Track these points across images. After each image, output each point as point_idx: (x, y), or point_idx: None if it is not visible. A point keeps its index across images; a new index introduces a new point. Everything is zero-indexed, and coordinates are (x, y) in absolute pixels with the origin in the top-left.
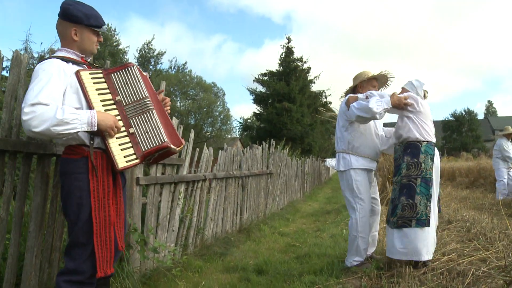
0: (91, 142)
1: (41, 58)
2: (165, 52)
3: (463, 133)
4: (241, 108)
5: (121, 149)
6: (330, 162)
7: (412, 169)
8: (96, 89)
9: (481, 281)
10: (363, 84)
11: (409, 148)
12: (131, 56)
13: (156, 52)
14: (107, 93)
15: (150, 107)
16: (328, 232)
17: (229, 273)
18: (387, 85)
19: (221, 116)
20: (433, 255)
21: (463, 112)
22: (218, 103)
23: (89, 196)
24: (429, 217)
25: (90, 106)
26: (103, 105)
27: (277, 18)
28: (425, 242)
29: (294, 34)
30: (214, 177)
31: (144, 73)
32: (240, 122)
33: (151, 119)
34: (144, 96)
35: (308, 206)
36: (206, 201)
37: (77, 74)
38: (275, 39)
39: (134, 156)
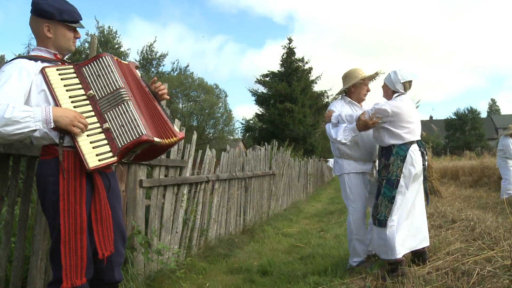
0: (61, 140)
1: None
2: (167, 54)
3: (466, 131)
4: (243, 109)
5: (93, 147)
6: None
7: (383, 171)
8: (65, 85)
9: (487, 280)
10: (357, 84)
11: (384, 150)
12: (133, 59)
13: (158, 54)
14: (78, 89)
15: (125, 98)
16: (332, 232)
17: (233, 275)
18: (375, 79)
19: (223, 118)
20: (437, 255)
21: (466, 110)
22: (220, 104)
23: (59, 199)
24: (387, 218)
25: (57, 104)
26: (72, 102)
27: (279, 18)
28: (384, 242)
29: (296, 34)
30: (217, 179)
31: (126, 61)
32: (242, 123)
33: (127, 111)
34: (118, 87)
35: (311, 206)
36: (209, 202)
37: (42, 71)
38: (277, 39)
39: (109, 154)
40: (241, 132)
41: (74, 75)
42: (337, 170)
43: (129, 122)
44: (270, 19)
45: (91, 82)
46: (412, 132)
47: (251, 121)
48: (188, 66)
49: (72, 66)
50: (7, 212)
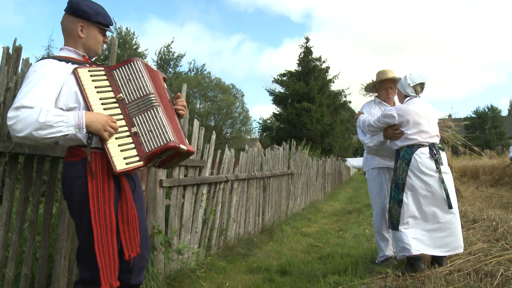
0: (89, 141)
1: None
2: (184, 54)
3: (486, 130)
4: (261, 108)
5: (121, 150)
6: (351, 161)
7: (393, 174)
8: (96, 87)
9: (511, 282)
10: (377, 85)
11: (395, 153)
12: (150, 60)
13: (175, 55)
14: (108, 91)
15: (154, 104)
16: (351, 232)
17: (252, 274)
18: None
19: (241, 117)
20: (459, 255)
21: (486, 108)
22: (237, 104)
23: (88, 200)
24: (398, 221)
25: (87, 105)
26: (102, 104)
27: (296, 17)
28: (398, 241)
29: (313, 32)
30: (236, 178)
31: (155, 69)
32: (259, 123)
33: (156, 116)
34: (148, 92)
35: (330, 206)
36: (229, 202)
37: (75, 72)
38: (294, 38)
39: (136, 158)
40: (258, 132)
41: (105, 77)
42: (365, 165)
43: (157, 128)
44: (288, 18)
45: (121, 85)
46: (421, 133)
47: (268, 121)
48: (204, 65)
49: (103, 68)
50: (31, 212)
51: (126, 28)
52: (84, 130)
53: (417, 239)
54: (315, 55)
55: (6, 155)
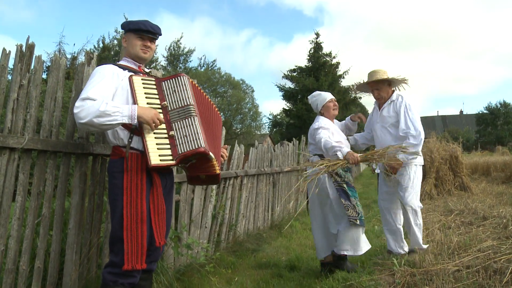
0: (130, 140)
1: (74, 59)
2: (194, 50)
3: (499, 126)
4: (271, 104)
5: (158, 148)
6: None
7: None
8: (145, 93)
9: None
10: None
11: None
12: (160, 55)
13: (185, 50)
14: (155, 98)
15: (192, 113)
16: None
17: (261, 269)
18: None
19: (251, 113)
20: (468, 252)
21: (498, 104)
22: (247, 99)
23: (123, 193)
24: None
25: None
26: (148, 107)
27: (309, 11)
28: (357, 240)
29: (325, 26)
30: (246, 174)
31: (197, 85)
32: (269, 119)
33: (192, 124)
34: (188, 103)
35: None
36: (238, 198)
37: (130, 78)
38: (306, 32)
39: (170, 157)
40: (268, 127)
41: (154, 86)
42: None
43: (191, 134)
44: (300, 12)
45: (167, 95)
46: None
47: (278, 116)
48: (215, 61)
49: (154, 79)
50: (44, 207)
51: None
52: (135, 120)
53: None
54: (325, 50)
55: (19, 150)
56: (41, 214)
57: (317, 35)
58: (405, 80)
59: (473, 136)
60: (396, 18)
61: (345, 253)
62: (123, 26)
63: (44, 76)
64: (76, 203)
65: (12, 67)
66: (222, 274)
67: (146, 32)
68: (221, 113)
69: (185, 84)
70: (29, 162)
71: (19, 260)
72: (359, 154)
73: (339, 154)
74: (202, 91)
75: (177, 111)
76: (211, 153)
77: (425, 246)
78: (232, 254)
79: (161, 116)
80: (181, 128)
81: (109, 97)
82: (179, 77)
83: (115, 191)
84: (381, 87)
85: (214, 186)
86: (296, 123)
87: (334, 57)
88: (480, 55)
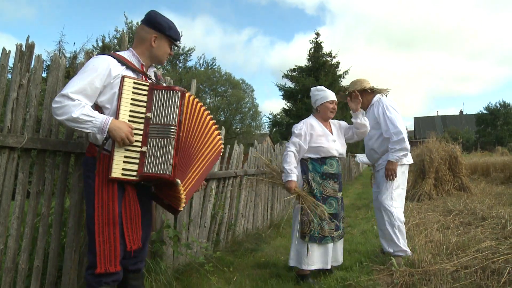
0: (104, 141)
1: (74, 58)
2: (194, 49)
3: (498, 126)
4: (271, 103)
5: (124, 161)
6: (361, 157)
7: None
8: (132, 99)
9: None
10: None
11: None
12: None
13: (185, 49)
14: (141, 106)
15: (171, 136)
16: (359, 228)
17: (260, 269)
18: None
19: (250, 112)
20: (466, 252)
21: (498, 105)
22: (247, 99)
23: (94, 194)
24: None
25: (117, 112)
26: (130, 116)
27: (310, 9)
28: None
29: (327, 25)
30: (245, 174)
31: (197, 100)
32: (269, 118)
33: (167, 146)
34: (170, 123)
35: None
36: (237, 197)
37: (122, 78)
38: (307, 31)
39: (134, 173)
40: (268, 127)
41: (145, 93)
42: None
43: (162, 157)
44: (302, 10)
45: (154, 106)
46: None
47: (278, 116)
48: (214, 59)
49: (148, 84)
50: (43, 206)
51: (137, 23)
52: (106, 134)
53: None
54: (326, 50)
55: (19, 150)
56: (40, 213)
57: (317, 34)
58: (387, 90)
59: (472, 136)
60: (397, 18)
61: (290, 262)
62: (160, 26)
63: (44, 75)
64: (75, 202)
65: (12, 66)
66: (221, 273)
67: (177, 42)
68: (221, 114)
69: (175, 101)
70: (29, 161)
71: (18, 258)
72: (299, 189)
73: (283, 176)
74: (202, 109)
75: (157, 127)
76: (179, 181)
77: (407, 249)
78: (231, 253)
79: (134, 136)
80: (155, 146)
81: (93, 96)
82: (172, 91)
83: (88, 190)
84: (363, 95)
85: (214, 186)
86: (296, 123)
87: (334, 57)
88: (481, 55)
